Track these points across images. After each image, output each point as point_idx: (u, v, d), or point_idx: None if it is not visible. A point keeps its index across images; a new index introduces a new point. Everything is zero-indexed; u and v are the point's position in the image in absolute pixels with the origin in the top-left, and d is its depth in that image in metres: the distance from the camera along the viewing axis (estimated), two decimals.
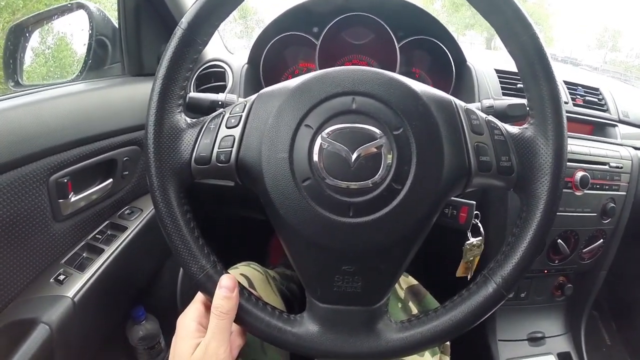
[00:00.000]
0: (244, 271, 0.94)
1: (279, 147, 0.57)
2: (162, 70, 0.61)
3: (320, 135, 0.56)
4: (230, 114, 0.63)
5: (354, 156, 0.55)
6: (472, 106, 0.63)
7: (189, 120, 0.65)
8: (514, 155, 0.60)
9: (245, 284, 0.87)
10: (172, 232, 0.61)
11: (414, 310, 0.93)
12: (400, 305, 0.93)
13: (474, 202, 0.78)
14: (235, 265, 0.98)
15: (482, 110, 0.79)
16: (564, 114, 0.59)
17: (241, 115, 0.62)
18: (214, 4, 0.61)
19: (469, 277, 0.89)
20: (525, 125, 0.61)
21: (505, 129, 0.61)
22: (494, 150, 0.59)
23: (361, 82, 0.58)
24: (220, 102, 0.85)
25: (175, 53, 0.61)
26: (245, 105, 0.63)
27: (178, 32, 0.61)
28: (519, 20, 0.57)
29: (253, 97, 0.64)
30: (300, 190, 0.57)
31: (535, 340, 1.45)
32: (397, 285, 0.97)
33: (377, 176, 0.55)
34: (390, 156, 0.56)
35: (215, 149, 0.61)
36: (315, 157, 0.56)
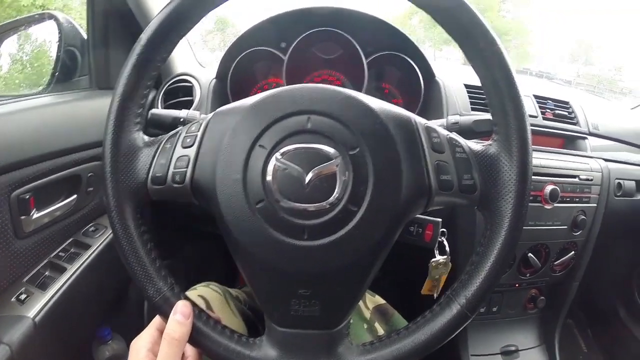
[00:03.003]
0: (202, 292, 0.93)
1: (233, 168, 0.56)
2: (119, 88, 0.60)
3: (274, 156, 0.55)
4: (186, 133, 0.62)
5: (308, 177, 0.54)
6: (435, 123, 0.62)
7: (146, 138, 0.63)
8: (477, 173, 0.58)
9: (202, 305, 0.85)
10: (128, 253, 0.60)
11: (381, 331, 0.91)
12: (365, 326, 0.91)
13: (440, 220, 0.77)
14: (194, 287, 0.96)
15: (447, 127, 0.79)
16: (529, 130, 0.57)
17: (196, 135, 0.60)
18: (173, 21, 0.60)
19: (435, 295, 0.88)
20: (489, 142, 0.60)
21: (468, 146, 0.60)
22: (455, 168, 0.58)
23: (317, 101, 0.57)
24: (181, 119, 0.84)
25: (133, 70, 0.60)
26: (201, 125, 0.61)
27: (136, 48, 0.60)
28: (482, 35, 0.56)
29: (210, 115, 0.63)
30: (253, 212, 0.55)
31: (508, 354, 1.44)
32: (362, 306, 0.95)
33: (332, 198, 0.54)
34: (346, 177, 0.54)
35: (171, 169, 0.60)
36: (269, 179, 0.54)
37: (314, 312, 0.58)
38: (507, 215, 0.57)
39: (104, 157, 0.60)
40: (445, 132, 0.61)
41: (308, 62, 1.23)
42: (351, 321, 0.87)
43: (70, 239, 1.13)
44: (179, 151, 0.60)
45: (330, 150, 0.54)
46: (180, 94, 1.26)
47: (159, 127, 0.83)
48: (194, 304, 0.61)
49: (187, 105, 1.22)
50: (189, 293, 0.92)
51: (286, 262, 0.56)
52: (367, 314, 0.94)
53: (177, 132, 0.63)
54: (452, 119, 0.80)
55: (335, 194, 0.54)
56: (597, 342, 1.94)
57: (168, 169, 0.60)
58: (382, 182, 0.55)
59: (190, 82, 1.26)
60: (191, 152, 0.59)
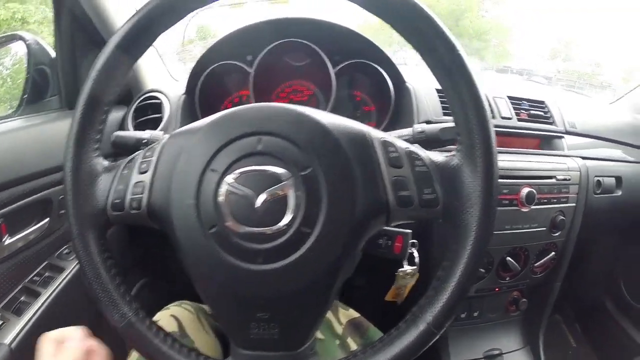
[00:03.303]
0: (174, 312, 0.91)
1: (186, 193, 0.55)
2: (77, 114, 0.59)
3: (225, 180, 0.54)
4: (142, 158, 0.61)
5: (260, 200, 0.53)
6: (395, 135, 0.61)
7: (106, 163, 0.63)
8: (439, 186, 0.57)
9: (174, 325, 0.86)
10: (92, 279, 0.59)
11: (354, 347, 0.90)
12: (337, 342, 0.90)
13: (410, 231, 0.76)
14: (167, 307, 0.95)
15: (414, 136, 0.78)
16: (493, 139, 0.56)
17: (151, 160, 0.60)
18: (123, 49, 0.60)
19: (399, 302, 0.88)
20: (452, 153, 0.59)
21: (429, 158, 0.59)
22: (415, 183, 0.56)
23: (268, 121, 0.56)
24: (144, 140, 0.82)
25: (88, 97, 0.59)
26: (156, 149, 0.61)
27: (93, 74, 0.59)
28: (441, 40, 0.55)
29: (165, 138, 0.62)
30: (207, 237, 0.54)
31: (492, 358, 1.44)
32: (334, 321, 0.94)
33: (284, 220, 0.53)
34: (298, 198, 0.53)
35: (128, 196, 0.59)
36: (222, 203, 0.54)
37: (273, 334, 0.57)
38: (472, 229, 0.55)
39: (65, 185, 0.59)
40: (404, 145, 0.59)
41: (277, 74, 1.22)
42: (322, 337, 0.86)
43: (45, 263, 1.12)
44: (135, 177, 0.60)
45: (281, 171, 0.54)
46: (150, 111, 1.24)
47: (124, 150, 0.81)
48: (159, 328, 0.61)
49: (158, 122, 1.20)
50: (161, 312, 0.92)
51: (242, 286, 0.55)
52: (340, 330, 0.93)
53: (134, 157, 0.62)
54: (419, 127, 0.78)
55: (288, 217, 0.53)
56: (585, 336, 1.96)
57: (125, 195, 0.59)
58: (336, 202, 0.54)
59: (159, 99, 1.24)
60: (147, 177, 0.59)
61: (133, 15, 0.59)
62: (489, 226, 0.56)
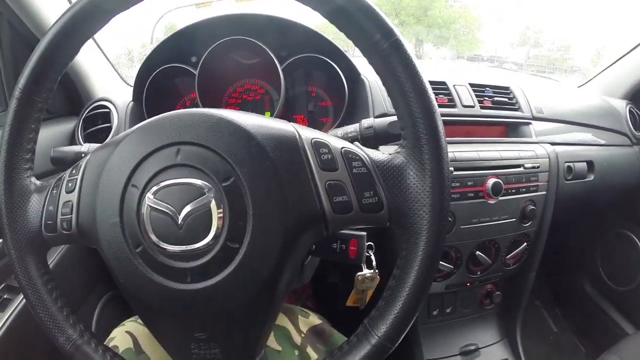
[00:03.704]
0: (129, 328, 0.88)
1: (110, 212, 0.52)
2: (5, 135, 0.57)
3: (146, 196, 0.50)
4: (69, 176, 0.58)
5: (182, 216, 0.49)
6: (339, 132, 0.56)
7: (38, 183, 0.61)
8: (382, 188, 0.52)
9: (130, 342, 0.84)
10: (35, 304, 0.58)
11: (315, 356, 0.86)
12: (297, 353, 0.86)
13: (364, 234, 0.70)
14: (122, 323, 0.91)
15: (360, 132, 0.73)
16: (442, 132, 0.51)
17: (76, 178, 0.56)
18: (46, 59, 0.57)
19: (361, 307, 0.84)
20: (396, 150, 0.54)
21: (369, 157, 0.53)
22: (352, 186, 0.52)
23: (186, 129, 0.51)
24: (83, 155, 0.79)
25: (15, 117, 0.57)
26: (80, 166, 0.57)
27: (15, 93, 0.57)
28: (376, 25, 0.50)
29: (88, 155, 0.58)
30: (134, 257, 0.51)
31: (468, 353, 1.40)
32: (293, 330, 0.90)
33: (209, 236, 0.49)
34: (221, 212, 0.49)
35: (59, 216, 0.57)
36: (144, 221, 0.50)
37: (215, 354, 0.54)
38: (422, 234, 0.51)
39: None
40: (339, 145, 0.54)
41: (225, 74, 1.17)
42: (279, 349, 0.83)
43: (2, 285, 1.07)
44: (63, 196, 0.57)
45: (201, 183, 0.49)
46: (100, 121, 1.19)
47: (64, 165, 0.78)
48: (106, 349, 0.59)
49: (108, 132, 1.16)
50: (117, 329, 0.89)
51: (173, 306, 0.52)
52: (299, 339, 0.89)
53: (62, 176, 0.59)
54: (366, 122, 0.74)
55: (212, 232, 0.49)
56: (566, 320, 1.97)
57: (57, 216, 0.57)
58: (262, 214, 0.49)
59: (108, 108, 1.19)
60: (73, 196, 0.56)
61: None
62: (441, 229, 0.52)
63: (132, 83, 1.26)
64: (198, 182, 0.49)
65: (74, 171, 0.58)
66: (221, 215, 0.49)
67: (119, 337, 0.85)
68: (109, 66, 1.43)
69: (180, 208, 0.49)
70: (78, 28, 0.56)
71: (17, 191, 0.58)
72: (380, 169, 0.53)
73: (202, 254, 0.49)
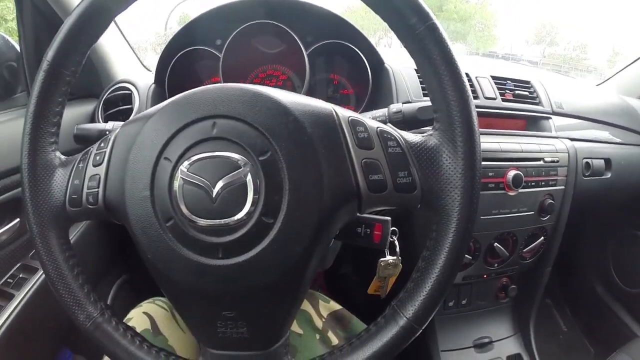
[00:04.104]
0: (147, 309, 0.88)
1: (140, 185, 0.51)
2: (31, 107, 0.57)
3: (179, 169, 0.49)
4: (96, 150, 0.57)
5: (216, 189, 0.48)
6: (367, 115, 0.56)
7: (63, 158, 0.60)
8: (415, 169, 0.52)
9: (147, 324, 0.84)
10: (56, 280, 0.57)
11: (335, 341, 0.87)
12: (318, 337, 0.87)
13: (389, 218, 0.70)
14: (140, 304, 0.92)
15: (389, 117, 0.74)
16: (474, 116, 0.51)
17: (105, 151, 0.56)
18: (76, 32, 0.56)
19: (382, 296, 0.83)
20: (429, 132, 0.54)
21: (404, 138, 0.54)
22: (388, 165, 0.52)
23: (222, 103, 0.50)
24: (107, 132, 0.78)
25: (42, 88, 0.56)
26: (109, 139, 0.57)
27: (43, 65, 0.56)
28: (413, 9, 0.50)
29: (118, 128, 0.57)
30: (164, 231, 0.50)
31: (481, 346, 1.41)
32: (314, 314, 0.91)
33: (244, 211, 0.48)
34: (257, 186, 0.49)
35: (85, 190, 0.56)
36: (176, 194, 0.49)
37: (242, 333, 0.53)
38: (454, 215, 0.51)
39: (22, 182, 0.58)
40: (375, 125, 0.54)
41: (249, 59, 1.17)
42: (300, 332, 0.83)
43: (18, 264, 1.08)
44: (90, 170, 0.56)
45: (237, 157, 0.49)
46: (121, 102, 1.20)
47: (87, 143, 0.77)
48: (127, 328, 0.59)
49: (129, 114, 1.16)
50: (134, 310, 0.89)
51: (203, 283, 0.51)
52: (320, 323, 0.89)
53: (89, 150, 0.59)
54: (394, 107, 0.74)
55: (247, 207, 0.48)
56: (575, 320, 1.96)
57: (82, 190, 0.56)
58: (299, 189, 0.49)
59: (129, 90, 1.20)
60: (101, 170, 0.55)
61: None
62: (473, 210, 0.52)
63: (151, 69, 1.27)
64: (234, 155, 0.49)
65: (102, 144, 0.57)
66: (257, 190, 0.48)
67: (137, 318, 0.85)
68: (130, 50, 1.44)
69: (214, 181, 0.48)
70: (109, 1, 0.56)
71: (41, 164, 0.58)
72: (414, 150, 0.53)
73: (236, 229, 0.48)
